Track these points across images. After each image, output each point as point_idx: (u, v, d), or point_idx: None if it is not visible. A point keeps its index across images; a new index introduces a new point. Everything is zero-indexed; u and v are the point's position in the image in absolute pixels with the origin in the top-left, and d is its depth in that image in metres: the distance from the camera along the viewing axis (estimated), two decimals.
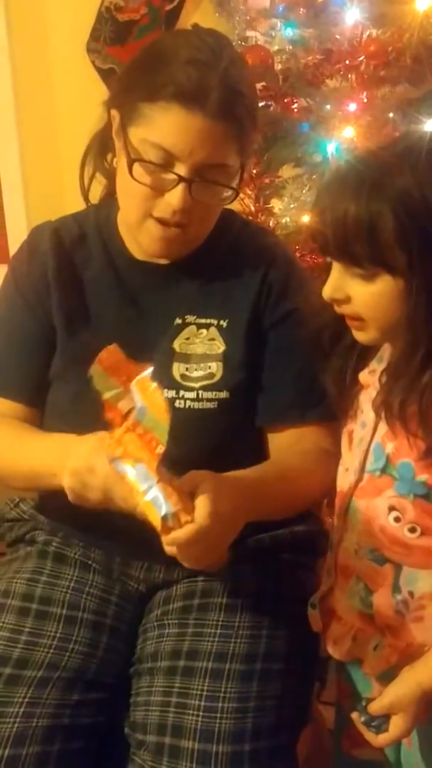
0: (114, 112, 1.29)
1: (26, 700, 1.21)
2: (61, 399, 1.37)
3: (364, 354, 1.21)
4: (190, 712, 1.21)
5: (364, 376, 1.20)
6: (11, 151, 2.77)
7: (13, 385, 1.40)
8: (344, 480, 1.23)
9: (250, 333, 1.34)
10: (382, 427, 1.15)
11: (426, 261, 1.03)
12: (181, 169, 1.22)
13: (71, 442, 1.21)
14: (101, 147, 1.40)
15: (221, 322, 1.35)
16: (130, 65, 1.31)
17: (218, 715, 1.20)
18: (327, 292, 1.12)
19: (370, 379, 1.19)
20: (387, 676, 1.18)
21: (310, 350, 1.26)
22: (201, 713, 1.20)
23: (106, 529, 1.31)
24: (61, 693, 1.24)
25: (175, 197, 1.23)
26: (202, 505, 1.07)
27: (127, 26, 2.55)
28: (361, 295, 1.09)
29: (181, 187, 1.22)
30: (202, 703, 1.20)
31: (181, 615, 1.32)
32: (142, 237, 1.31)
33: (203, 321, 1.35)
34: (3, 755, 1.15)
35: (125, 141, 1.25)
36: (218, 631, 1.28)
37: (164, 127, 1.20)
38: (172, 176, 1.22)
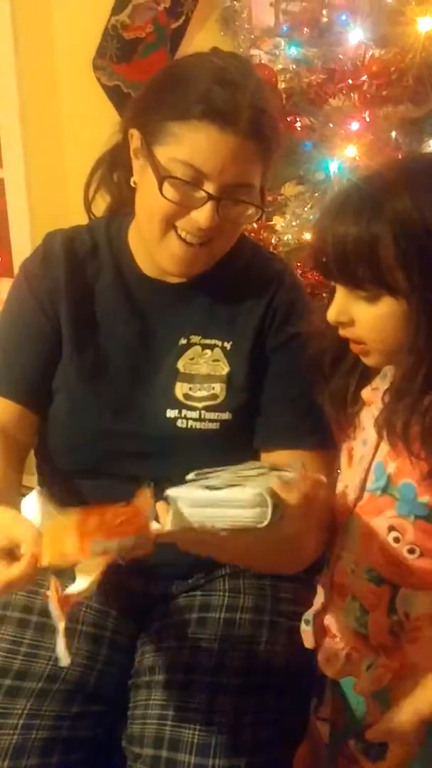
0: (134, 132, 1.29)
1: (26, 711, 1.22)
2: (64, 412, 1.37)
3: (368, 372, 1.21)
4: (188, 725, 1.21)
5: (366, 393, 1.20)
6: (17, 167, 2.80)
7: (13, 384, 1.39)
8: (343, 498, 1.22)
9: (254, 356, 1.35)
10: (384, 446, 1.15)
11: (426, 282, 1.03)
12: (210, 188, 1.22)
13: None
14: (110, 165, 1.41)
15: (225, 343, 1.35)
16: (151, 85, 1.31)
17: (215, 728, 1.20)
18: (332, 315, 1.12)
19: (373, 396, 1.18)
20: (380, 696, 1.17)
21: (310, 373, 1.25)
22: (198, 726, 1.20)
23: None
24: (60, 705, 1.25)
25: (202, 215, 1.24)
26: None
27: (133, 44, 2.57)
28: (364, 318, 1.09)
29: (209, 205, 1.23)
30: (199, 717, 1.21)
31: (179, 629, 1.33)
32: (161, 254, 1.31)
33: (208, 342, 1.35)
34: (2, 767, 1.16)
35: (152, 160, 1.25)
36: (216, 645, 1.28)
37: (195, 145, 1.21)
38: (201, 194, 1.23)
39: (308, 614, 1.28)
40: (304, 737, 1.36)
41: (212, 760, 1.18)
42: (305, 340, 1.25)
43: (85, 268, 1.40)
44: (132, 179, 1.34)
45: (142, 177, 1.30)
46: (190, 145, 1.21)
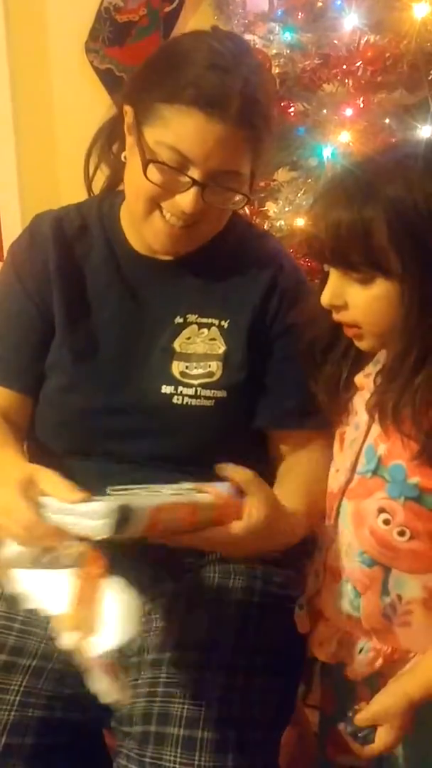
0: (127, 108, 1.29)
1: (22, 688, 1.24)
2: (56, 391, 1.37)
3: (360, 358, 1.22)
4: (176, 700, 1.22)
5: (359, 379, 1.21)
6: (8, 150, 2.78)
7: (10, 373, 1.40)
8: (335, 481, 1.24)
9: (251, 334, 1.34)
10: (375, 428, 1.16)
11: (418, 263, 1.05)
12: (195, 173, 1.22)
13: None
14: (108, 138, 1.39)
15: (222, 322, 1.35)
16: (148, 63, 1.30)
17: (204, 703, 1.21)
18: (326, 298, 1.13)
19: (366, 381, 1.20)
20: (371, 682, 1.18)
21: (303, 361, 1.27)
22: (187, 701, 1.21)
23: None
24: (53, 685, 1.26)
25: (186, 200, 1.24)
26: (257, 500, 1.11)
27: (126, 27, 2.56)
28: (358, 300, 1.10)
29: (193, 190, 1.23)
30: (188, 692, 1.22)
31: (169, 608, 1.33)
32: (146, 231, 1.31)
33: (205, 321, 1.35)
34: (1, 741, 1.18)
35: (140, 140, 1.25)
36: (205, 624, 1.28)
37: (182, 130, 1.21)
38: (185, 179, 1.23)
39: (302, 599, 1.29)
40: (290, 720, 1.37)
41: (201, 733, 1.19)
42: (300, 327, 1.25)
43: (74, 247, 1.39)
44: (123, 154, 1.34)
45: (132, 154, 1.29)
46: (177, 130, 1.21)
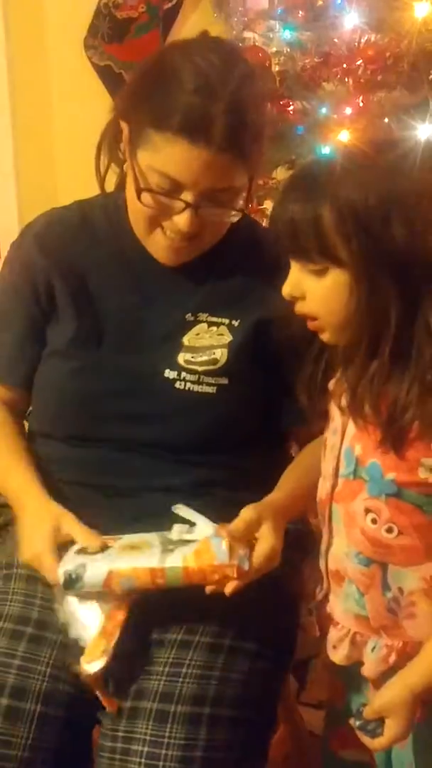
0: (123, 125, 1.31)
1: (51, 661, 1.26)
2: (58, 374, 1.38)
3: (333, 361, 1.23)
4: (153, 677, 1.23)
5: (333, 384, 1.23)
6: (5, 146, 2.77)
7: (12, 371, 1.43)
8: (322, 488, 1.25)
9: (259, 329, 1.35)
10: (350, 430, 1.18)
11: (364, 252, 1.08)
12: (188, 196, 1.24)
13: (27, 518, 1.29)
14: (114, 135, 1.39)
15: (233, 321, 1.36)
16: (138, 79, 1.32)
17: (180, 679, 1.22)
18: (286, 289, 1.16)
19: (338, 386, 1.22)
20: (387, 679, 1.19)
21: (280, 360, 1.30)
22: (163, 678, 1.22)
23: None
24: (55, 653, 1.27)
25: (182, 221, 1.26)
26: (265, 549, 1.19)
27: (125, 24, 2.55)
28: (314, 291, 1.13)
29: (187, 212, 1.25)
30: (166, 669, 1.23)
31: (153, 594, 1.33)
32: (149, 245, 1.34)
33: (215, 319, 1.36)
34: (34, 709, 1.23)
35: (132, 162, 1.27)
36: (191, 604, 1.27)
37: (170, 157, 1.22)
38: (179, 203, 1.25)
39: (312, 604, 1.33)
40: (276, 709, 1.39)
41: (175, 707, 1.20)
42: (273, 327, 1.28)
43: (77, 243, 1.41)
44: (124, 165, 1.35)
45: (129, 174, 1.31)
46: (166, 156, 1.23)
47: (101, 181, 1.44)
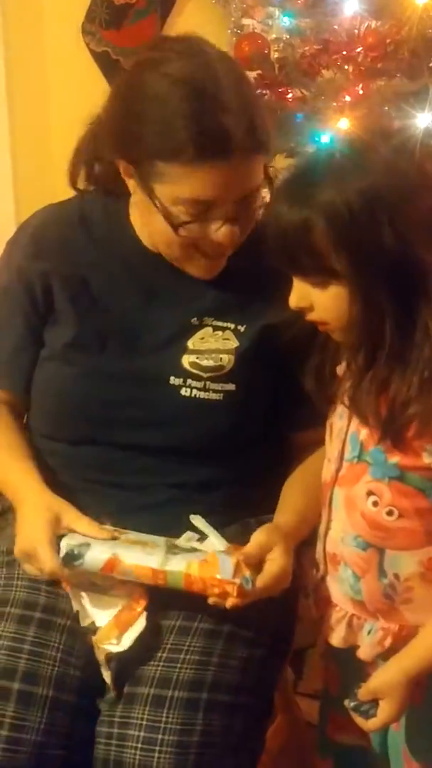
0: (121, 163, 1.28)
1: (61, 646, 1.27)
2: (60, 379, 1.37)
3: (340, 349, 1.25)
4: (151, 663, 1.24)
5: (340, 369, 1.24)
6: (2, 133, 2.75)
7: (9, 375, 1.41)
8: (327, 471, 1.27)
9: (265, 334, 1.34)
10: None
11: (358, 265, 1.10)
12: (222, 213, 1.23)
13: (26, 509, 1.28)
14: (91, 157, 1.39)
15: (239, 326, 1.35)
16: (121, 114, 1.27)
17: (178, 665, 1.23)
18: (293, 302, 1.18)
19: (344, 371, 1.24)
20: (382, 662, 1.21)
21: (287, 360, 1.30)
22: (161, 663, 1.23)
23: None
24: (65, 638, 1.28)
25: (221, 236, 1.25)
26: (274, 570, 1.20)
27: (122, 10, 2.53)
28: (320, 302, 1.16)
29: (226, 227, 1.24)
30: (164, 655, 1.24)
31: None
32: (188, 268, 1.33)
33: (221, 324, 1.35)
34: (46, 694, 1.23)
35: (156, 201, 1.24)
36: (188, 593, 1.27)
37: (199, 184, 1.21)
38: (217, 223, 1.24)
39: (308, 587, 1.33)
40: (272, 697, 1.39)
41: (172, 692, 1.20)
42: (279, 331, 1.28)
43: (77, 242, 1.39)
44: (131, 199, 1.34)
45: (146, 206, 1.28)
46: (193, 183, 1.21)
47: (73, 182, 1.42)
